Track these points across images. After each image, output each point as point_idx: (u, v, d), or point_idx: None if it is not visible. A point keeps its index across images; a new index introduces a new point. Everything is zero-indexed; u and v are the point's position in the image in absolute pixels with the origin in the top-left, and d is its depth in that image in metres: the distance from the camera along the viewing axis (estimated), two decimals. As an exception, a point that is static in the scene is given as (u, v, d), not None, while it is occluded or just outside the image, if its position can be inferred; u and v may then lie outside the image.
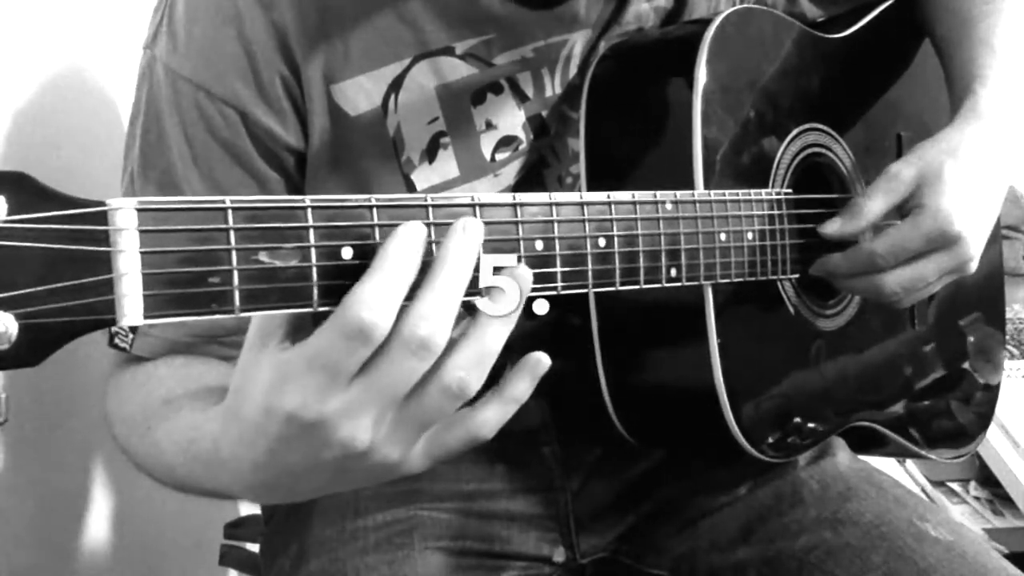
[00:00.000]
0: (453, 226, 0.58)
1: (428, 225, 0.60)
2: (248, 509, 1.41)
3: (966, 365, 1.18)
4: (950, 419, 1.16)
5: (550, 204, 0.68)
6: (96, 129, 1.24)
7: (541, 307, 0.62)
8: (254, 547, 1.15)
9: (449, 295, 0.56)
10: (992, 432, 1.49)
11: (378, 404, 0.57)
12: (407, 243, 0.56)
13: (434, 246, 0.59)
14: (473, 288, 0.58)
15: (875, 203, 0.90)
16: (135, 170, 0.88)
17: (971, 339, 1.18)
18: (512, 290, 0.59)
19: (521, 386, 0.62)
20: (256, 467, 0.61)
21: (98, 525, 1.27)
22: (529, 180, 0.94)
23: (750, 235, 0.85)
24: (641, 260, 0.75)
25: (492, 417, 0.61)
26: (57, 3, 1.17)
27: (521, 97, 0.93)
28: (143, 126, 0.88)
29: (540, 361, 0.62)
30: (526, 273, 0.60)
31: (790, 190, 0.93)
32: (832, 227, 0.91)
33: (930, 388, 1.13)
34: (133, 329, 0.85)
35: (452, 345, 0.57)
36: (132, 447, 0.82)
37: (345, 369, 0.56)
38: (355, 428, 0.57)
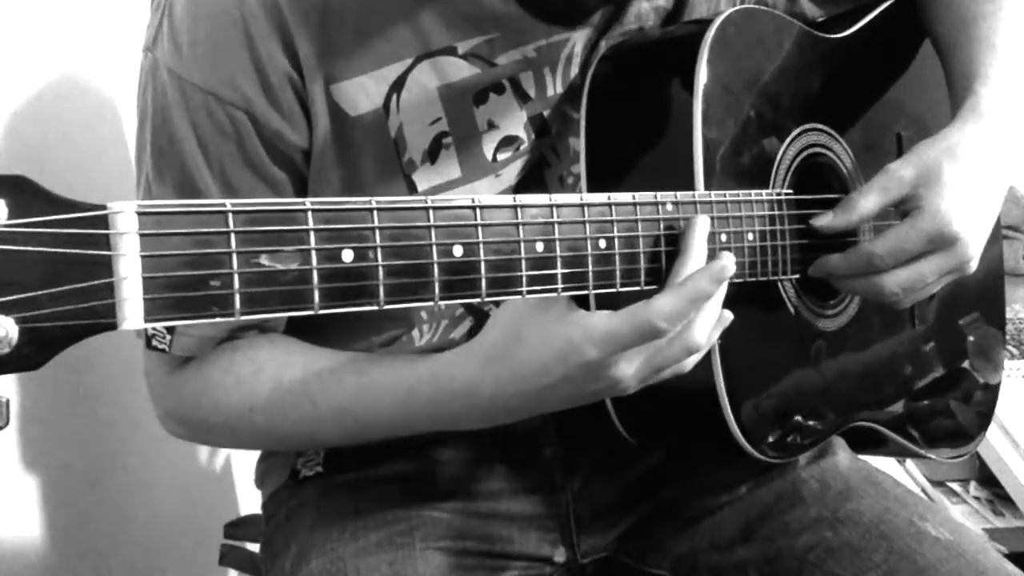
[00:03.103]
0: (695, 222, 0.78)
1: (430, 228, 0.61)
2: (248, 509, 1.41)
3: (966, 364, 1.17)
4: (950, 419, 1.16)
5: (550, 206, 0.69)
6: (95, 131, 1.23)
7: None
8: (254, 547, 1.15)
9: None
10: (992, 432, 1.49)
11: (644, 354, 0.76)
12: (712, 278, 0.74)
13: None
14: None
15: (869, 199, 0.90)
16: (150, 175, 0.88)
17: (971, 339, 1.18)
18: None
19: (715, 335, 0.79)
20: (519, 396, 0.78)
21: (98, 525, 1.27)
22: (530, 180, 0.94)
23: (750, 235, 0.85)
24: (642, 261, 0.75)
25: (694, 360, 0.79)
26: (55, 5, 1.17)
27: (523, 97, 0.92)
28: (152, 131, 0.88)
29: (728, 317, 0.79)
30: (731, 265, 0.77)
31: (790, 190, 0.93)
32: (824, 220, 0.91)
33: (930, 388, 1.13)
34: (170, 330, 0.86)
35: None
36: (281, 425, 0.89)
37: (632, 345, 0.74)
38: (623, 370, 0.76)
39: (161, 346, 0.88)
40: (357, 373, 0.86)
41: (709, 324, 0.76)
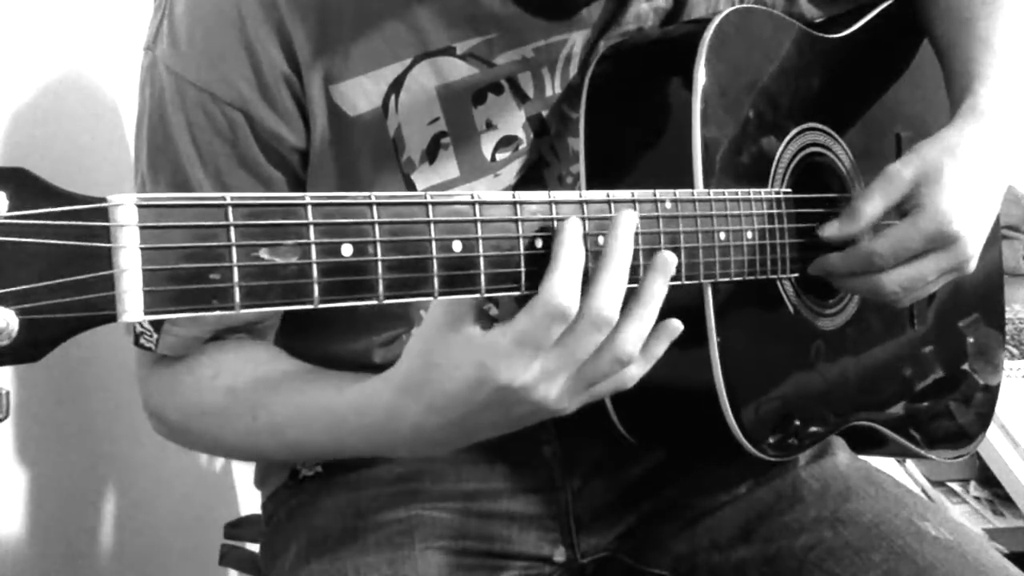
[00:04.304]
0: (618, 218, 0.71)
1: (429, 224, 0.62)
2: (248, 509, 1.41)
3: (966, 366, 1.18)
4: (950, 419, 1.16)
5: (549, 202, 0.69)
6: (96, 130, 1.24)
7: None
8: (254, 547, 1.15)
9: (621, 278, 0.70)
10: (992, 432, 1.49)
11: (567, 368, 0.70)
12: (576, 235, 0.68)
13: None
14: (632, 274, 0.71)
15: (873, 204, 0.90)
16: (145, 173, 0.89)
17: (971, 340, 1.18)
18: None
19: (661, 347, 0.74)
20: (443, 428, 0.73)
21: (98, 525, 1.27)
22: (529, 180, 0.95)
23: (749, 234, 0.85)
24: (640, 259, 0.75)
25: (636, 372, 0.75)
26: (56, 4, 1.17)
27: (521, 97, 0.93)
28: (149, 129, 0.88)
29: (676, 327, 0.74)
30: (671, 258, 0.73)
31: (789, 189, 0.93)
32: (831, 230, 0.92)
33: (930, 388, 1.13)
34: (157, 328, 0.86)
35: (620, 321, 0.70)
36: (226, 435, 0.89)
37: (545, 344, 0.68)
38: (548, 388, 0.70)
39: (148, 344, 0.88)
40: (297, 392, 0.85)
41: (639, 333, 0.71)
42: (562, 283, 0.67)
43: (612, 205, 0.73)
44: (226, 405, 0.87)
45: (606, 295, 0.69)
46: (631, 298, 0.71)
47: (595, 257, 0.71)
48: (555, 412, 0.73)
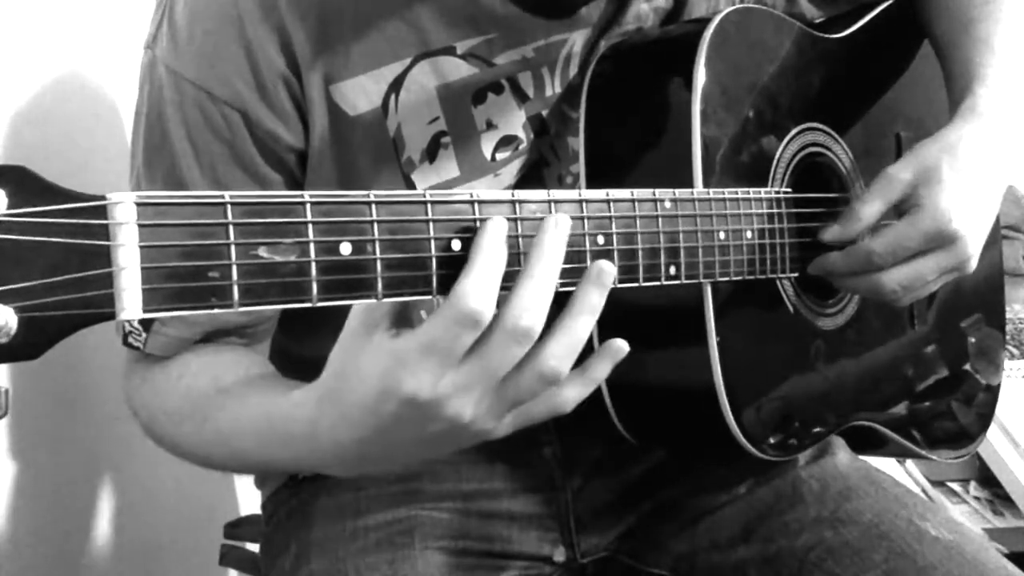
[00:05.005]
0: (545, 222, 0.65)
1: (428, 222, 0.62)
2: (248, 509, 1.41)
3: (967, 366, 1.17)
4: (951, 420, 1.16)
5: (548, 201, 0.68)
6: (96, 130, 1.24)
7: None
8: (254, 547, 1.15)
9: (547, 286, 0.64)
10: (992, 432, 1.49)
11: (482, 384, 0.64)
12: (497, 236, 0.63)
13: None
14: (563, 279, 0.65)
15: (871, 207, 0.90)
16: (140, 171, 0.89)
17: (972, 340, 1.18)
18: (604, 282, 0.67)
19: (602, 369, 0.69)
20: (360, 443, 0.68)
21: (98, 525, 1.27)
22: (529, 179, 0.95)
23: (749, 234, 0.85)
24: (640, 258, 0.75)
25: (574, 395, 0.69)
26: (56, 4, 1.17)
27: (521, 97, 0.93)
28: (146, 127, 0.88)
29: (621, 348, 0.68)
30: (608, 267, 0.66)
31: (789, 189, 0.93)
32: (831, 233, 0.92)
33: (930, 388, 1.13)
34: (146, 328, 0.86)
35: (546, 333, 0.64)
36: (180, 438, 0.86)
37: (455, 353, 0.62)
38: (462, 404, 0.64)
39: (136, 343, 0.88)
40: (239, 398, 0.82)
41: (566, 349, 0.65)
42: (475, 286, 0.61)
43: (612, 205, 0.73)
44: (179, 407, 0.86)
45: (525, 304, 0.62)
46: (561, 310, 0.65)
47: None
48: (480, 434, 0.67)
